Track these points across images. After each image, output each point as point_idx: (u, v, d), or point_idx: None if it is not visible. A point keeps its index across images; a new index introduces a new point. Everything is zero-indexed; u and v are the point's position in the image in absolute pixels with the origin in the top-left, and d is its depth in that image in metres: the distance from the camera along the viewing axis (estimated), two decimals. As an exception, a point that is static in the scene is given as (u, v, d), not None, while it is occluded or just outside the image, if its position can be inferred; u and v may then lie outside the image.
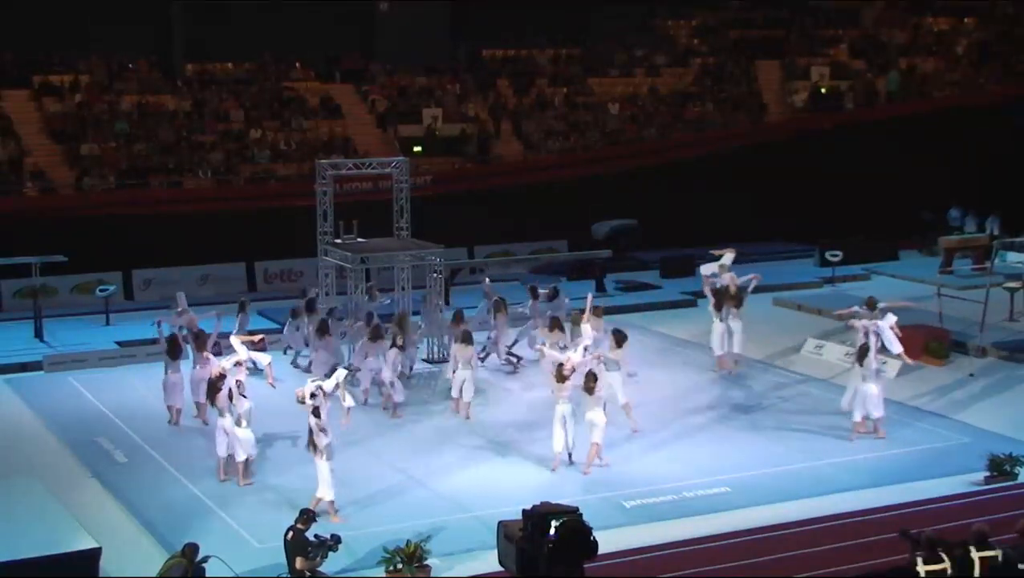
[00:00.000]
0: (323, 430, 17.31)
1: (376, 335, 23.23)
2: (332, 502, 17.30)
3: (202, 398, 21.63)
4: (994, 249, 32.19)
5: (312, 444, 17.36)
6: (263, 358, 20.39)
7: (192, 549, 14.04)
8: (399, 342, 22.95)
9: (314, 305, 25.76)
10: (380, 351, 22.98)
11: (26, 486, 17.70)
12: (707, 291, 25.79)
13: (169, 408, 22.12)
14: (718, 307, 25.11)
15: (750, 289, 25.62)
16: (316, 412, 17.39)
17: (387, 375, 22.41)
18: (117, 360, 26.17)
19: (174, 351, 22.12)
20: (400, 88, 40.13)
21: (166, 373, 22.17)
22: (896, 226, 37.95)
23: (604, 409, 19.20)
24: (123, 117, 36.12)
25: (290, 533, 14.82)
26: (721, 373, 25.18)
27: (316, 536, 14.73)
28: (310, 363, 24.42)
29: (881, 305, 23.57)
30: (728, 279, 25.52)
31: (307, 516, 15.02)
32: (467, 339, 22.64)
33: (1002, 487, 18.61)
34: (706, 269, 26.32)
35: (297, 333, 25.71)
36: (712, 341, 25.27)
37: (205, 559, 14.08)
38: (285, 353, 25.79)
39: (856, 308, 23.40)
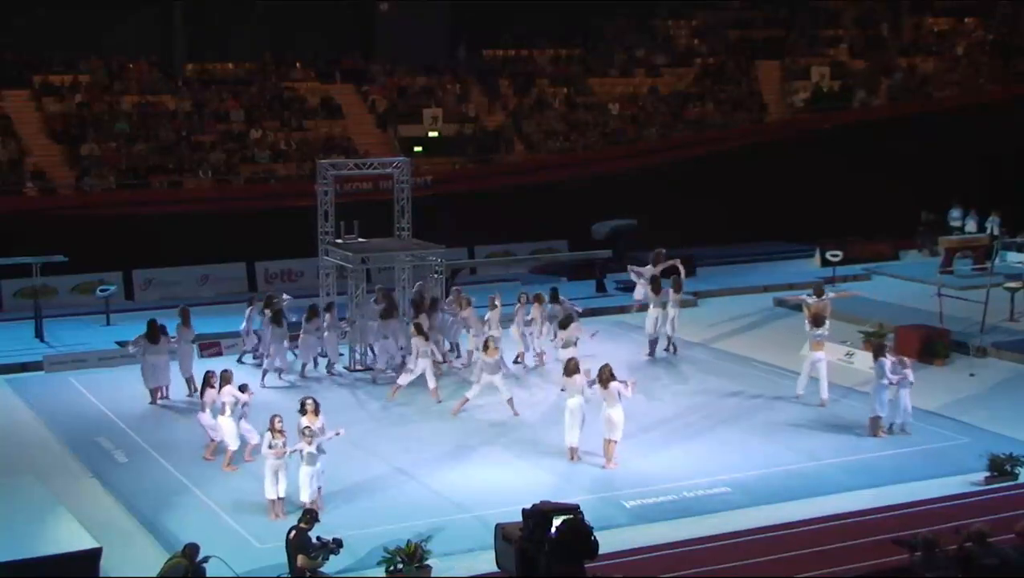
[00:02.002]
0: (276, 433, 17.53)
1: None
2: (272, 501, 17.45)
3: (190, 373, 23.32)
4: (994, 249, 32.21)
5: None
6: (251, 437, 19.72)
7: (192, 549, 14.06)
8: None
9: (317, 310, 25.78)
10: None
11: (26, 486, 17.70)
12: (641, 281, 27.18)
13: (151, 391, 23.30)
14: (656, 291, 26.33)
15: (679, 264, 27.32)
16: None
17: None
18: (117, 360, 26.14)
19: (153, 336, 23.21)
20: (400, 88, 40.13)
21: (144, 356, 23.27)
22: (896, 226, 37.96)
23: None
24: (123, 117, 36.14)
25: (293, 532, 14.86)
26: (658, 357, 26.16)
27: (318, 538, 14.75)
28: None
29: (830, 295, 24.42)
30: (648, 270, 27.23)
31: (310, 516, 15.07)
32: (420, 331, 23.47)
33: (1002, 487, 18.62)
34: (633, 275, 27.93)
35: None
36: (647, 326, 26.50)
37: (206, 559, 14.10)
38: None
39: (803, 296, 23.80)
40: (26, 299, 29.94)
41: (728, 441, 20.78)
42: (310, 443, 17.20)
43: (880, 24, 47.41)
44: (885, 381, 20.68)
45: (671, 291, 26.51)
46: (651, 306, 26.46)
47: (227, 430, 19.44)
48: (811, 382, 22.92)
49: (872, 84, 43.24)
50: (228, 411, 19.43)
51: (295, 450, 17.33)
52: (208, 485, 18.78)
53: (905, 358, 21.62)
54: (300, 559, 14.60)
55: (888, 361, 20.81)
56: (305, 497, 17.11)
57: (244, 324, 25.98)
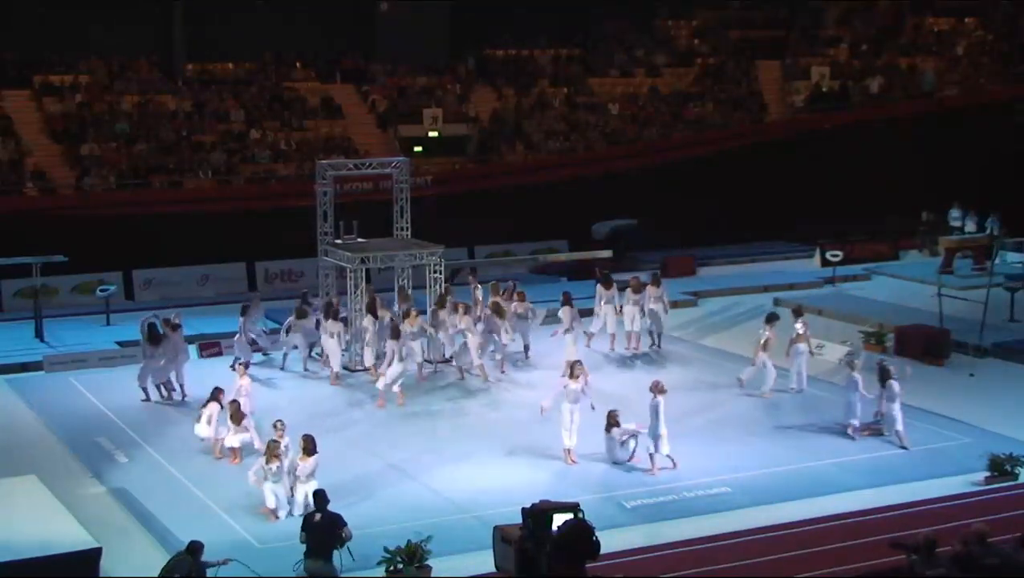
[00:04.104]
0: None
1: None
2: (272, 508, 17.51)
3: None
4: (994, 249, 32.18)
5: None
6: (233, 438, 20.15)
7: (197, 546, 14.13)
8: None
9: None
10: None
11: (26, 486, 17.70)
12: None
13: (146, 389, 23.49)
14: (607, 286, 26.79)
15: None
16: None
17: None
18: (117, 360, 26.18)
19: (154, 338, 23.42)
20: (400, 88, 40.13)
21: (146, 357, 23.46)
22: (896, 226, 37.97)
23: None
24: (123, 117, 36.13)
25: (317, 516, 14.89)
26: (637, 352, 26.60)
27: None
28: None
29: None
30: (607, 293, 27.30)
31: (324, 494, 15.25)
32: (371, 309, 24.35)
33: (1002, 487, 18.63)
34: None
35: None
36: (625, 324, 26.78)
37: (225, 562, 14.30)
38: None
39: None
40: (26, 299, 29.93)
41: (728, 441, 20.78)
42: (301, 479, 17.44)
43: (882, 24, 47.40)
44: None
45: (649, 287, 26.72)
46: (625, 305, 26.67)
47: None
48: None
49: (883, 74, 43.29)
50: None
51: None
52: (208, 485, 18.79)
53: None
54: (346, 531, 14.73)
55: (896, 384, 20.72)
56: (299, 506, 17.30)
57: (240, 335, 25.88)
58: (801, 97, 42.75)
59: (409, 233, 27.16)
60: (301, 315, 25.52)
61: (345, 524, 14.81)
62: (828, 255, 35.21)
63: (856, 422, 20.83)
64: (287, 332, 25.55)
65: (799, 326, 23.69)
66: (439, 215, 31.47)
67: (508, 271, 34.51)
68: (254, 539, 16.69)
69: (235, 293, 32.55)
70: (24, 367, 26.05)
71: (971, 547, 12.48)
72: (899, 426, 20.35)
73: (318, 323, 25.62)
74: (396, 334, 23.37)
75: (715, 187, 37.94)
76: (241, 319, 25.69)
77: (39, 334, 28.01)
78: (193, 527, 16.75)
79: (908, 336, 26.63)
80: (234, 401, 20.01)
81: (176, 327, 23.92)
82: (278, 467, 17.33)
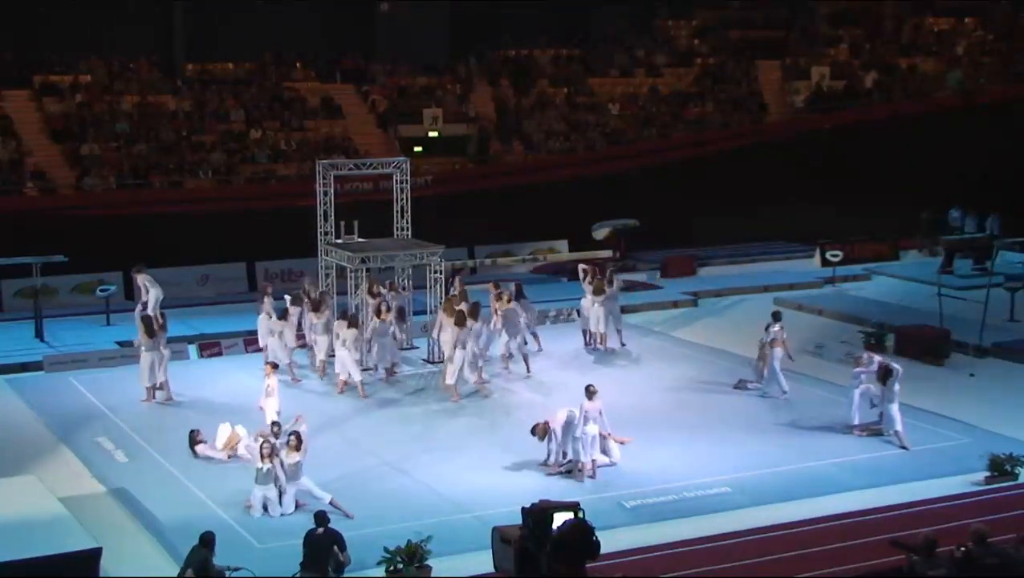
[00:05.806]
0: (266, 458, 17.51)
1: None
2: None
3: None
4: (994, 249, 32.19)
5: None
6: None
7: (209, 538, 14.33)
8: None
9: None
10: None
11: (26, 486, 17.71)
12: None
13: (147, 389, 23.30)
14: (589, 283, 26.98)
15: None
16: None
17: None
18: (117, 360, 26.18)
19: (150, 330, 23.24)
20: (400, 88, 40.14)
21: (146, 350, 23.24)
22: (896, 226, 37.98)
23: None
24: (123, 117, 36.13)
25: (321, 530, 14.88)
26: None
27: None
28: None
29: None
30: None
31: (325, 515, 15.29)
32: (353, 322, 23.99)
33: (1002, 487, 18.63)
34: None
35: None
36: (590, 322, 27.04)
37: (237, 569, 14.35)
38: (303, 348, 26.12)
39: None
40: (26, 299, 29.92)
41: (728, 441, 20.77)
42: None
43: (882, 24, 47.40)
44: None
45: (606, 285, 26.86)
46: (595, 304, 26.73)
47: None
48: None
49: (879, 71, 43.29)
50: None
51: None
52: (209, 485, 18.78)
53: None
54: (345, 556, 14.75)
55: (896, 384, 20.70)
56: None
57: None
58: (801, 97, 42.75)
59: (409, 233, 27.16)
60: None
61: (345, 548, 14.76)
62: (828, 255, 35.22)
63: (855, 420, 20.83)
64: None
65: (776, 329, 23.49)
66: (439, 215, 31.45)
67: (508, 271, 34.56)
68: (254, 539, 16.69)
69: (235, 293, 32.57)
70: (24, 367, 26.04)
71: (971, 547, 12.48)
72: (898, 426, 20.36)
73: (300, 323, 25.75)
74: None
75: (715, 187, 37.93)
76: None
77: (39, 334, 28.01)
78: (193, 527, 16.73)
79: (908, 336, 26.63)
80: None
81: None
82: (268, 469, 17.32)
